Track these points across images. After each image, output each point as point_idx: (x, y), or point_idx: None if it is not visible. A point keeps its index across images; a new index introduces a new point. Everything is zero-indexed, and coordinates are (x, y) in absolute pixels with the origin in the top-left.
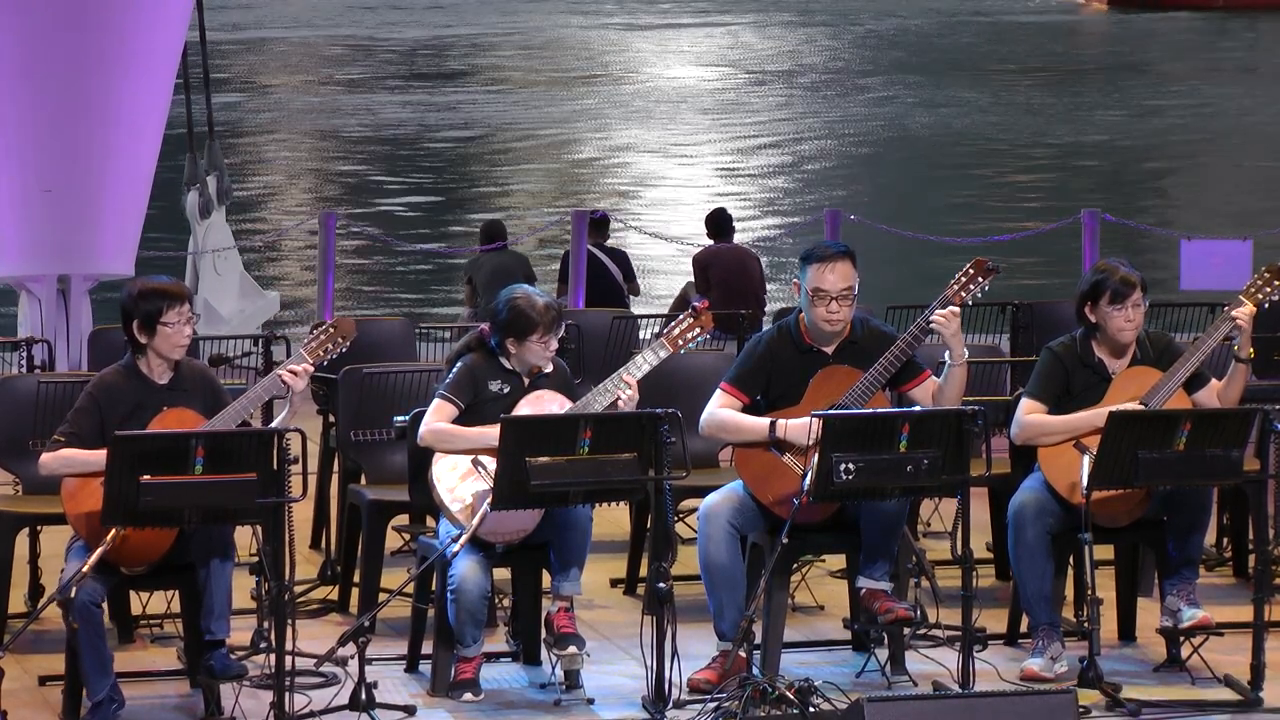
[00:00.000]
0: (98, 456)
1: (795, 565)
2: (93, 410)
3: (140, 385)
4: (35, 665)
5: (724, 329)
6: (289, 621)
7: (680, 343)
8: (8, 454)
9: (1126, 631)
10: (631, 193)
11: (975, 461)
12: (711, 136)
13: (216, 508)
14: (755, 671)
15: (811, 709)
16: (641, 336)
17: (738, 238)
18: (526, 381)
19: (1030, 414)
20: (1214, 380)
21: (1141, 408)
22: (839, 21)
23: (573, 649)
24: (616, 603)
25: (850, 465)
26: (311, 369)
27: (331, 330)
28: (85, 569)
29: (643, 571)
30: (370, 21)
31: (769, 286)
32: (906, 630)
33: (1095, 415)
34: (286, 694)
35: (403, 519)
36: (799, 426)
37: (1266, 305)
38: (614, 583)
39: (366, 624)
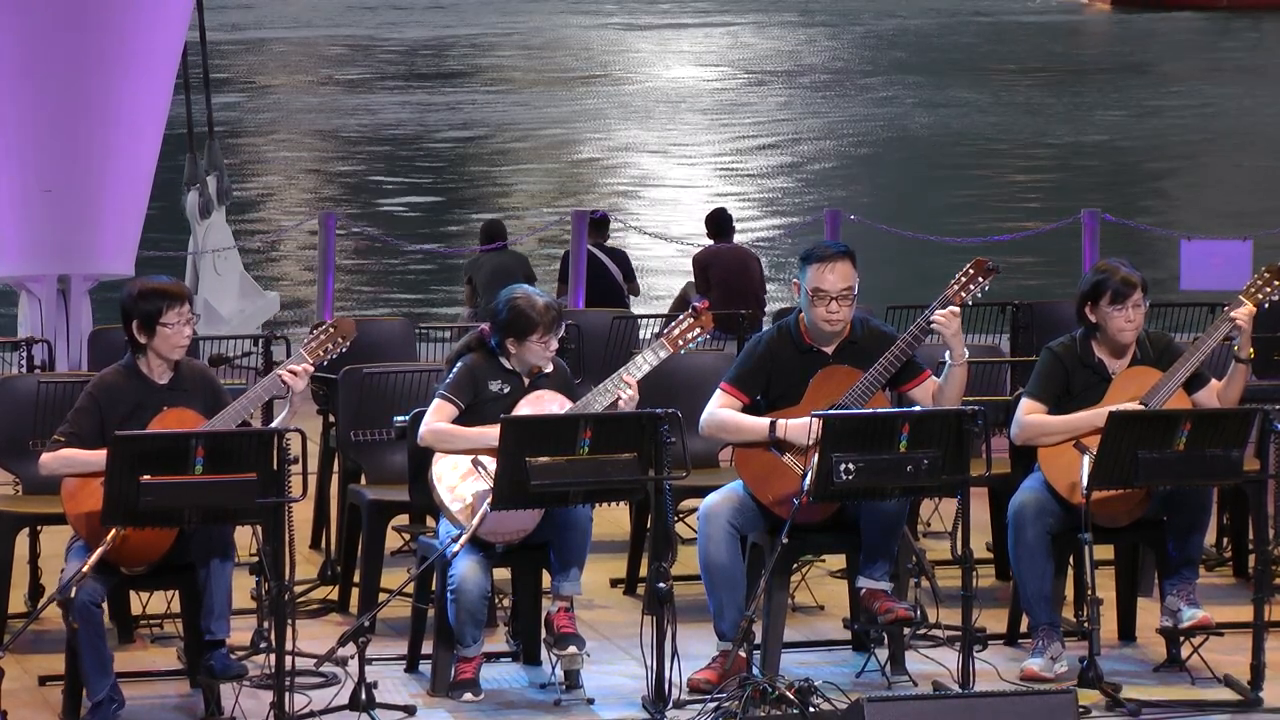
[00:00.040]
0: (98, 456)
1: (795, 565)
2: (93, 410)
3: (140, 385)
4: (35, 665)
5: (724, 329)
6: (289, 621)
7: (680, 343)
8: (8, 454)
9: (1126, 631)
10: (631, 193)
11: (975, 461)
12: (711, 137)
13: (216, 508)
14: (755, 671)
15: (811, 709)
16: (641, 336)
17: (738, 238)
18: (526, 381)
19: (1030, 414)
20: (1214, 380)
21: (1141, 408)
22: (839, 22)
23: (573, 649)
24: (616, 603)
25: (850, 465)
26: (311, 369)
27: (331, 330)
28: (85, 569)
29: (643, 571)
30: (370, 21)
31: (769, 286)
32: (906, 630)
33: (1095, 415)
34: (286, 694)
35: (403, 519)
36: (799, 426)
37: (1266, 305)
38: (614, 583)
39: (366, 624)
